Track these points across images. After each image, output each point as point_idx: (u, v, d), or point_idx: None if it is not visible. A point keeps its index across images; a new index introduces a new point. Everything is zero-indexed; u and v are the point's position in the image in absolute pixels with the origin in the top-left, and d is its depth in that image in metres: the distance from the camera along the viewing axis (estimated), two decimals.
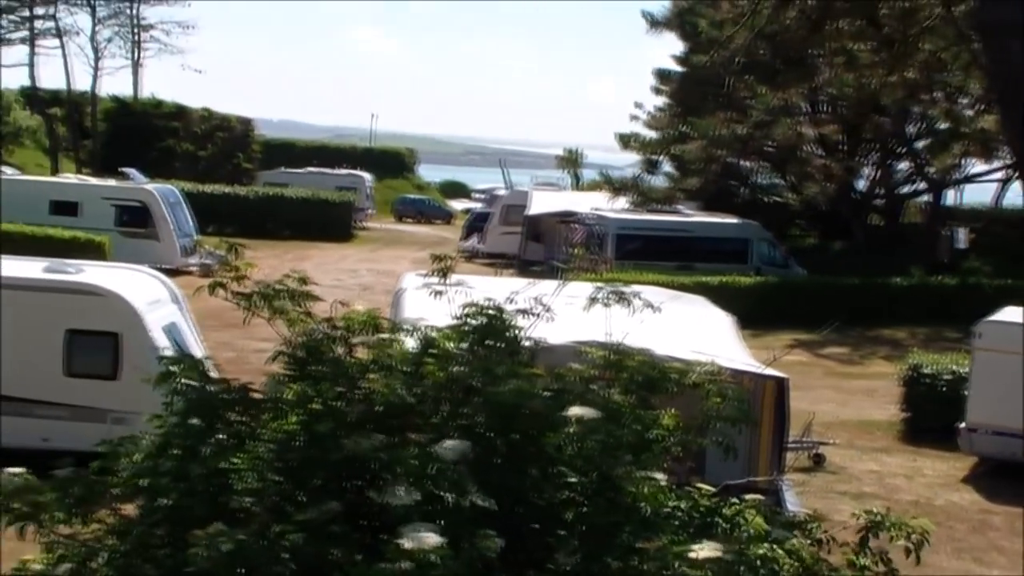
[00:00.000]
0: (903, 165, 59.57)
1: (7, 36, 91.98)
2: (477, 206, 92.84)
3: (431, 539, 5.18)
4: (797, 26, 23.49)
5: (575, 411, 6.49)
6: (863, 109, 50.24)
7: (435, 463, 5.98)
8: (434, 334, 7.10)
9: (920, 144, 56.80)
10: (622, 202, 53.60)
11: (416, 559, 5.12)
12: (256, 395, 6.89)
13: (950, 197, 63.13)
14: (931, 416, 27.35)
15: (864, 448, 26.86)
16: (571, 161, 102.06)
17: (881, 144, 57.14)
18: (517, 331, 7.21)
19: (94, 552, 6.44)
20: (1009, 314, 24.98)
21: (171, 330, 22.87)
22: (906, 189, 60.41)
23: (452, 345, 7.00)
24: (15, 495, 6.36)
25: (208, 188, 70.70)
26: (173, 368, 6.96)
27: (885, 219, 59.74)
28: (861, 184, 60.10)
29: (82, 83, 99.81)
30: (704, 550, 5.85)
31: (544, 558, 6.18)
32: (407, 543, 5.16)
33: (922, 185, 58.79)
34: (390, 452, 6.13)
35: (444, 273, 7.59)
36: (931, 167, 54.68)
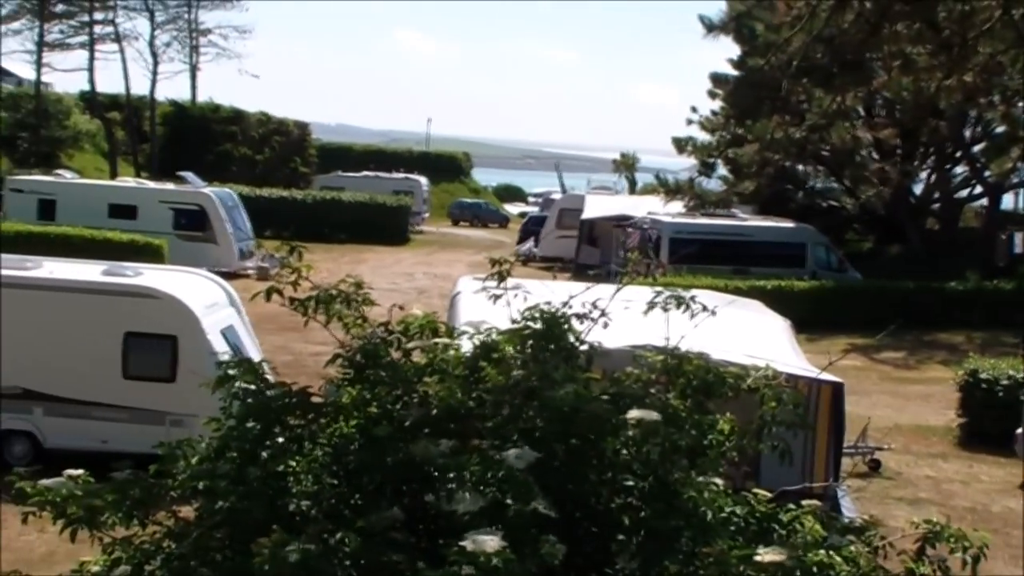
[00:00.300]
0: (960, 169, 59.19)
1: (67, 41, 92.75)
2: (533, 210, 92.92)
3: (493, 543, 5.18)
4: (854, 29, 23.36)
5: (635, 414, 6.48)
6: (920, 113, 49.84)
7: (500, 469, 5.99)
8: (494, 338, 7.10)
9: (977, 148, 56.36)
10: (677, 205, 53.45)
11: (478, 564, 5.12)
12: (315, 399, 6.91)
13: (1007, 201, 62.61)
14: (988, 422, 27.16)
15: (920, 454, 26.71)
16: (626, 165, 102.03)
17: (938, 148, 56.76)
18: (575, 335, 7.21)
19: (151, 555, 6.46)
20: None
21: (228, 333, 23.02)
22: (963, 193, 59.98)
23: (511, 349, 7.00)
24: (72, 498, 6.39)
25: (265, 192, 71.17)
26: (231, 371, 6.99)
27: (942, 223, 59.30)
28: (918, 188, 59.74)
29: (140, 87, 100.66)
30: (768, 554, 5.83)
31: (603, 563, 6.18)
32: (469, 546, 5.16)
33: (979, 189, 58.36)
34: (455, 458, 6.13)
35: (502, 277, 7.59)
36: (988, 171, 54.23)
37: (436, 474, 6.21)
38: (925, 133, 54.32)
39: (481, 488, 6.01)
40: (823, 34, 23.81)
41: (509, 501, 5.90)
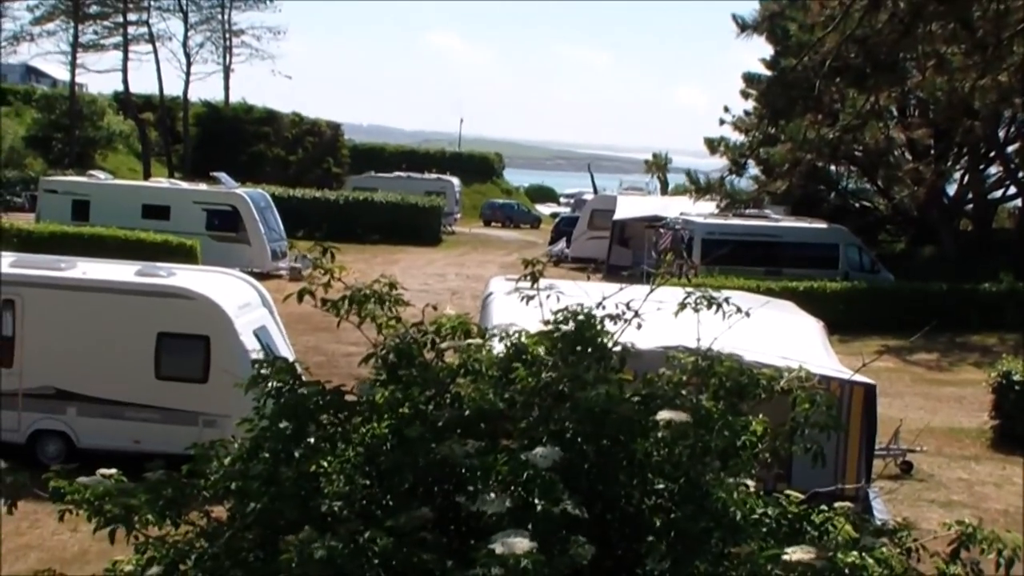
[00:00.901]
0: (994, 169, 58.86)
1: (101, 42, 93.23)
2: (564, 211, 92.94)
3: (523, 545, 5.18)
4: (888, 29, 23.26)
5: (665, 415, 6.48)
6: (954, 113, 49.52)
7: (527, 469, 6.00)
8: (525, 339, 7.11)
9: (1012, 148, 56.09)
10: (709, 206, 53.33)
11: (507, 566, 5.12)
12: (348, 398, 6.92)
13: None
14: (1021, 424, 27.04)
15: (953, 456, 26.59)
16: (658, 166, 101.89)
17: (972, 148, 56.46)
18: (607, 336, 7.20)
19: (184, 554, 6.49)
20: None
21: (261, 334, 23.08)
22: (997, 194, 59.68)
23: (543, 350, 7.01)
24: (108, 496, 6.42)
25: (297, 192, 71.41)
26: (265, 371, 7.01)
27: (975, 224, 59.00)
28: (951, 189, 59.45)
29: (174, 88, 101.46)
30: (797, 553, 5.82)
31: (633, 564, 6.18)
32: (498, 548, 5.17)
33: (1013, 190, 58.06)
34: (482, 458, 6.14)
35: (535, 278, 7.59)
36: (1022, 171, 53.97)
37: (465, 474, 6.23)
38: (959, 133, 53.96)
39: (510, 489, 6.02)
40: (856, 34, 23.73)
41: (537, 501, 5.91)
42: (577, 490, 6.01)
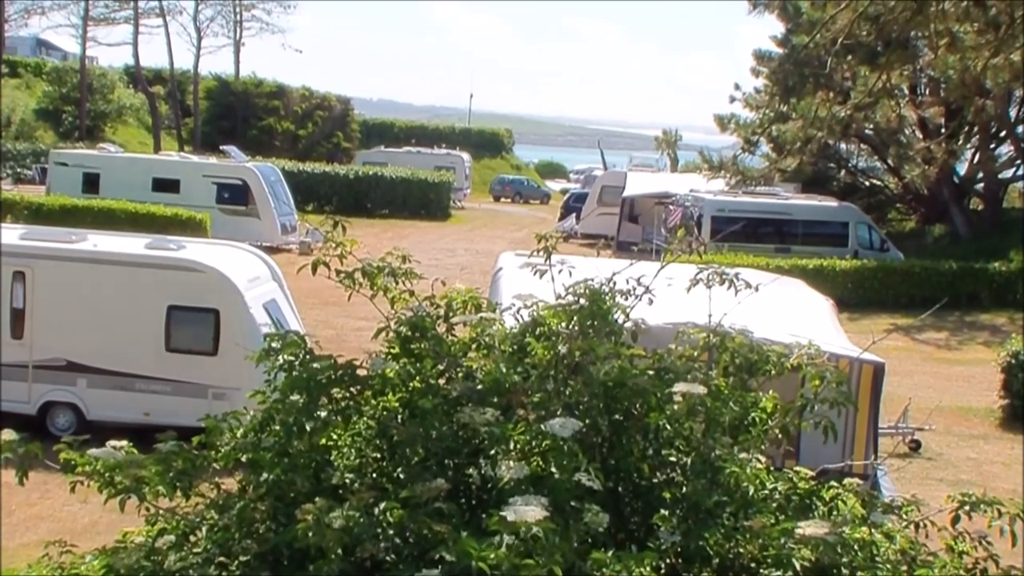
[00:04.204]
0: (1005, 148, 58.73)
1: (112, 15, 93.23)
2: (574, 187, 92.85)
3: (535, 513, 5.19)
4: (901, 7, 23.23)
5: (681, 387, 6.49)
6: (966, 92, 49.48)
7: (545, 439, 6.03)
8: (541, 312, 7.12)
9: (1023, 128, 55.99)
10: (719, 183, 53.28)
11: (519, 534, 5.13)
12: (361, 372, 6.93)
13: None
14: None
15: (962, 435, 26.61)
16: (668, 142, 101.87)
17: (983, 127, 56.35)
18: (620, 311, 7.21)
19: (195, 525, 6.50)
20: None
21: (270, 307, 23.11)
22: (1008, 173, 59.58)
23: (558, 324, 7.01)
24: (119, 468, 6.44)
25: (307, 167, 71.40)
26: (276, 344, 7.03)
27: (985, 203, 58.92)
28: (962, 168, 59.35)
29: (184, 62, 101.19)
30: (810, 527, 5.85)
31: (645, 537, 6.20)
32: (510, 515, 5.18)
33: None
34: (501, 427, 6.17)
35: (548, 253, 7.59)
36: None
37: (482, 444, 6.26)
38: (970, 112, 53.91)
39: (526, 457, 6.06)
40: (869, 12, 23.71)
41: (553, 471, 5.93)
42: (590, 462, 6.03)
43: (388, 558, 5.76)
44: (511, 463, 5.89)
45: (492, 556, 5.04)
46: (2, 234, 23.93)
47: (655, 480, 6.54)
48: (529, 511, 5.17)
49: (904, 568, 6.43)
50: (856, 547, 6.19)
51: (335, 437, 6.71)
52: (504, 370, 6.64)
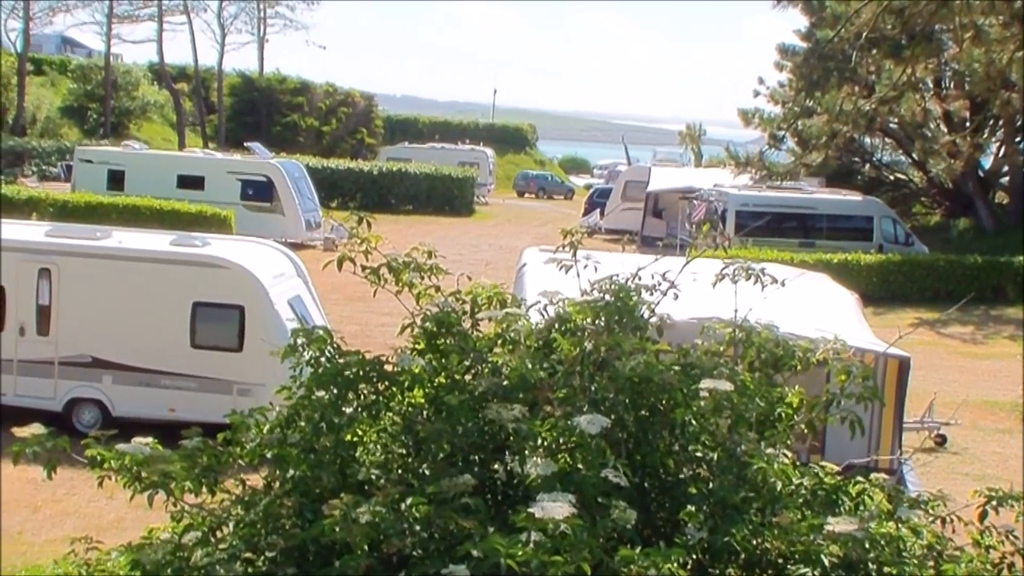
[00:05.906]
0: None
1: (136, 13, 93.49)
2: (598, 182, 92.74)
3: (563, 510, 5.19)
4: (925, 1, 23.17)
5: (708, 383, 6.49)
6: (991, 85, 49.34)
7: (573, 435, 6.03)
8: (567, 309, 7.11)
9: None
10: (743, 178, 53.15)
11: (547, 531, 5.14)
12: (387, 368, 6.94)
13: None
14: None
15: (988, 429, 26.49)
16: (692, 137, 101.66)
17: (1008, 120, 56.12)
18: (645, 306, 7.20)
19: (221, 521, 6.51)
20: None
21: (295, 303, 23.13)
22: None
23: (584, 319, 7.00)
24: (145, 464, 6.45)
25: (331, 163, 71.48)
26: (301, 340, 7.03)
27: (1011, 197, 58.66)
28: (987, 161, 59.12)
29: (208, 59, 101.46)
30: (839, 524, 5.84)
31: (672, 532, 6.20)
32: (538, 512, 5.18)
33: None
34: (529, 423, 6.17)
35: (574, 248, 7.58)
36: None
37: (508, 440, 6.26)
38: (996, 105, 53.68)
39: (554, 453, 6.06)
40: (893, 5, 23.67)
41: (580, 467, 5.93)
42: (617, 458, 6.03)
43: (415, 553, 5.77)
44: (538, 459, 5.90)
45: (520, 553, 5.04)
46: (28, 231, 24.03)
47: (681, 476, 6.54)
48: (556, 508, 5.17)
49: (931, 563, 6.41)
50: (883, 542, 6.18)
51: (361, 433, 6.72)
52: (530, 366, 6.64)
